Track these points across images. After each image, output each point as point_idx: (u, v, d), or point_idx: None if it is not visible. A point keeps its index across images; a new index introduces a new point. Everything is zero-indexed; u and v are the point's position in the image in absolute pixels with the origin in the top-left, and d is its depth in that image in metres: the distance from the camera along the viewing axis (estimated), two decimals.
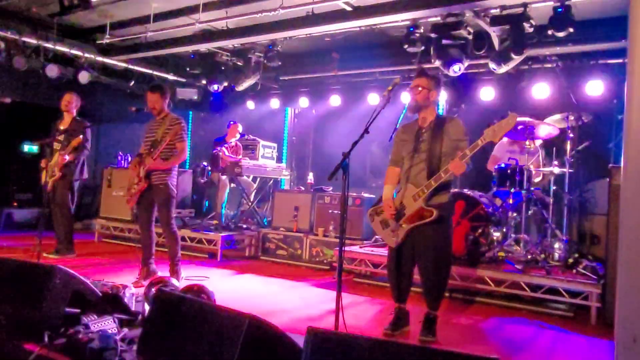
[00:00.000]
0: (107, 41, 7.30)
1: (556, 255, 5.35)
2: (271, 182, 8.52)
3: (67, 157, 6.12)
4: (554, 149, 5.73)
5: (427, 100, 3.86)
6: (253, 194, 8.21)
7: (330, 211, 6.80)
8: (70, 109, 6.39)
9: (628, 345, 2.27)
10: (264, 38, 6.76)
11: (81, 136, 6.11)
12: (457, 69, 5.78)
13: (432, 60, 5.83)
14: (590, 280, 4.58)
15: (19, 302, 3.11)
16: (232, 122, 8.23)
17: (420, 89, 3.82)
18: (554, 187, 5.60)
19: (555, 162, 5.62)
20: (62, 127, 6.36)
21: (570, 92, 6.12)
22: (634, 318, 2.28)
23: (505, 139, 6.26)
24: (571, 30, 5.06)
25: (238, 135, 8.10)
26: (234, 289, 5.30)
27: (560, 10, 5.04)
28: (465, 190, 5.53)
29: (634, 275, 2.32)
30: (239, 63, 7.64)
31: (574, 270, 4.90)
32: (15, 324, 3.10)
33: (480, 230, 5.26)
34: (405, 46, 5.86)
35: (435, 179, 3.64)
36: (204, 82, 8.06)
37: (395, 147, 4.03)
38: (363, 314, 4.52)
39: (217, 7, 6.21)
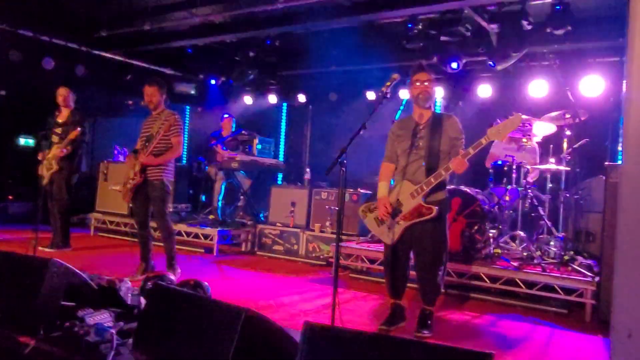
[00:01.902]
0: (105, 34, 7.26)
1: (551, 253, 5.36)
2: (268, 177, 8.51)
3: (65, 150, 6.10)
4: (551, 146, 5.74)
5: (434, 94, 3.90)
6: (249, 189, 8.21)
7: (326, 207, 6.80)
8: (67, 104, 6.38)
9: (623, 341, 2.28)
10: (262, 33, 6.74)
11: (79, 128, 6.08)
12: (455, 66, 5.80)
13: (430, 57, 5.84)
14: (585, 278, 4.60)
15: (15, 295, 3.10)
16: (225, 116, 8.18)
17: (427, 83, 3.81)
18: (550, 185, 5.61)
19: (552, 160, 5.63)
20: (60, 121, 6.34)
21: (568, 89, 6.12)
22: (629, 314, 2.30)
23: None
24: (569, 28, 5.07)
25: (232, 127, 8.08)
26: (230, 284, 5.30)
27: (558, 8, 5.05)
28: (462, 187, 5.54)
29: (630, 272, 2.33)
30: (236, 58, 7.62)
31: (569, 268, 4.92)
32: (11, 317, 3.09)
33: (476, 227, 5.26)
34: (404, 42, 5.86)
35: (435, 176, 3.63)
36: (201, 76, 8.04)
37: (390, 143, 4.00)
38: (359, 309, 4.53)
39: (216, 1, 6.19)
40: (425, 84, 3.79)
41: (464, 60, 5.81)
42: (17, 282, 3.13)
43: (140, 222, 5.20)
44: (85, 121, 6.30)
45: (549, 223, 5.48)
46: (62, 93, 6.37)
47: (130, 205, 5.57)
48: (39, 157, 6.13)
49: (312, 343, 2.18)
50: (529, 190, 5.51)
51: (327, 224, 6.73)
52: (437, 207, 3.63)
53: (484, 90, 7.00)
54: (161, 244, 5.24)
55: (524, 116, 5.42)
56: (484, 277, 5.02)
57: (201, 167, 8.03)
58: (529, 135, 5.57)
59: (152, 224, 5.27)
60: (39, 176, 6.18)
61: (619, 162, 2.62)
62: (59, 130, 6.26)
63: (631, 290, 2.31)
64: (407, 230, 3.76)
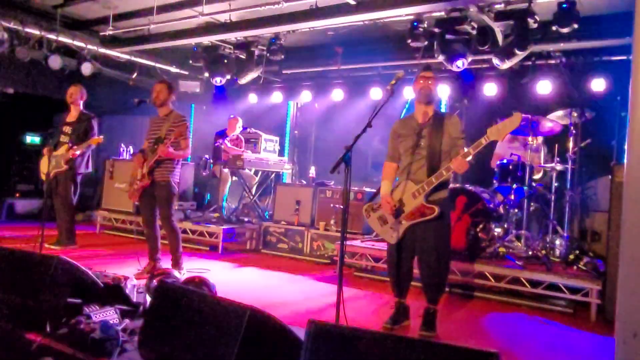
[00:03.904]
0: (110, 33, 7.29)
1: (557, 252, 5.35)
2: (273, 175, 8.53)
3: (78, 152, 6.13)
4: (557, 145, 5.72)
5: (436, 93, 3.92)
6: (255, 187, 8.22)
7: (331, 205, 6.80)
8: (75, 102, 6.39)
9: (628, 341, 2.28)
10: (267, 31, 6.75)
11: (101, 137, 6.11)
12: (460, 64, 5.78)
13: (436, 55, 5.82)
14: (591, 277, 4.59)
15: (22, 292, 3.13)
16: (231, 116, 8.22)
17: (430, 82, 3.84)
18: (556, 184, 5.59)
19: (558, 159, 5.61)
20: (68, 120, 6.37)
21: (574, 88, 6.10)
22: (635, 314, 2.29)
23: (507, 136, 6.25)
24: (575, 26, 5.05)
25: (239, 129, 8.11)
26: (235, 282, 5.31)
27: (565, 6, 5.03)
28: (467, 186, 5.53)
29: (635, 272, 2.33)
30: (241, 56, 7.63)
31: (575, 267, 4.90)
32: (18, 314, 3.12)
33: (481, 226, 5.26)
34: (409, 41, 5.85)
35: (436, 176, 3.64)
36: (206, 75, 8.05)
37: (392, 142, 4.02)
38: (363, 307, 4.53)
39: None
40: (429, 81, 3.84)
41: (469, 59, 5.79)
42: (24, 279, 3.15)
43: (147, 221, 5.22)
44: (93, 120, 6.32)
45: (554, 222, 5.47)
46: (70, 91, 6.38)
47: (137, 204, 5.58)
48: (43, 152, 6.18)
49: (316, 341, 2.19)
50: (535, 189, 5.50)
51: (332, 222, 6.74)
52: (438, 207, 3.63)
53: (490, 89, 6.98)
54: (167, 242, 5.25)
55: (529, 115, 5.41)
56: (488, 275, 5.01)
57: (206, 166, 8.04)
58: (535, 134, 5.56)
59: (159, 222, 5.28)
60: (43, 172, 6.22)
61: (625, 161, 2.60)
62: (67, 129, 6.29)
63: (636, 290, 2.30)
64: (410, 230, 3.77)
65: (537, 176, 5.88)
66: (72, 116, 6.40)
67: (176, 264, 5.14)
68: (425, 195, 3.68)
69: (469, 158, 3.55)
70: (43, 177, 6.25)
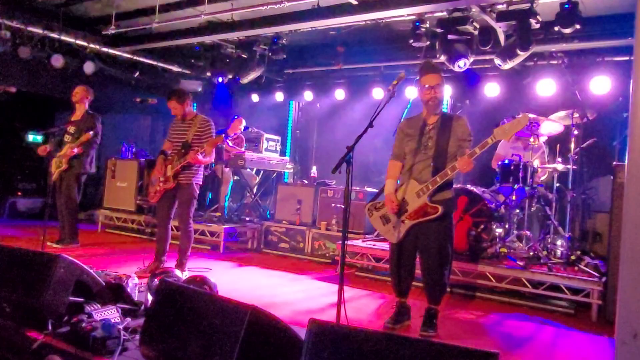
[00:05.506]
0: (113, 32, 7.29)
1: (558, 252, 5.35)
2: (274, 175, 8.53)
3: (76, 150, 6.14)
4: (558, 145, 5.72)
5: (443, 96, 3.88)
6: (256, 186, 8.23)
7: (333, 205, 6.81)
8: (80, 101, 6.39)
9: (628, 341, 2.28)
10: (269, 30, 6.76)
11: (91, 132, 6.11)
12: (462, 65, 5.78)
13: (438, 55, 5.83)
14: (592, 278, 4.59)
15: (23, 291, 3.13)
16: (235, 117, 8.23)
17: (437, 90, 3.76)
18: (557, 184, 5.59)
19: (559, 159, 5.61)
20: (73, 119, 6.39)
21: (576, 89, 6.08)
22: (635, 314, 2.29)
23: None
24: (578, 26, 5.05)
25: (239, 131, 8.11)
26: (236, 281, 5.32)
27: (567, 6, 5.03)
28: (468, 186, 5.53)
29: (636, 272, 2.32)
30: (243, 55, 7.65)
31: (576, 268, 4.90)
32: (20, 312, 3.13)
33: (482, 226, 5.26)
34: (411, 41, 5.86)
35: (441, 176, 3.64)
36: (208, 74, 8.06)
37: (398, 142, 4.01)
38: (364, 307, 4.54)
39: None
40: (435, 90, 3.76)
41: (471, 59, 5.80)
42: (26, 277, 3.16)
43: (161, 221, 5.22)
44: (98, 121, 6.33)
45: (555, 223, 5.47)
46: (75, 91, 6.40)
47: (139, 202, 5.57)
48: (39, 152, 6.20)
49: (317, 340, 2.19)
50: (536, 190, 5.49)
51: (333, 222, 6.74)
52: (442, 207, 3.63)
53: (492, 89, 6.98)
54: (176, 242, 5.23)
55: (531, 115, 5.41)
56: (489, 276, 5.01)
57: (208, 165, 8.05)
58: (537, 135, 5.55)
59: (174, 222, 5.28)
60: (50, 172, 6.24)
61: (626, 161, 2.60)
62: (71, 129, 6.29)
63: (636, 290, 2.30)
64: (413, 229, 3.77)
65: (538, 177, 5.87)
66: (76, 116, 6.42)
67: (180, 265, 5.13)
68: (429, 194, 3.68)
69: (475, 157, 3.55)
70: (53, 178, 6.27)
